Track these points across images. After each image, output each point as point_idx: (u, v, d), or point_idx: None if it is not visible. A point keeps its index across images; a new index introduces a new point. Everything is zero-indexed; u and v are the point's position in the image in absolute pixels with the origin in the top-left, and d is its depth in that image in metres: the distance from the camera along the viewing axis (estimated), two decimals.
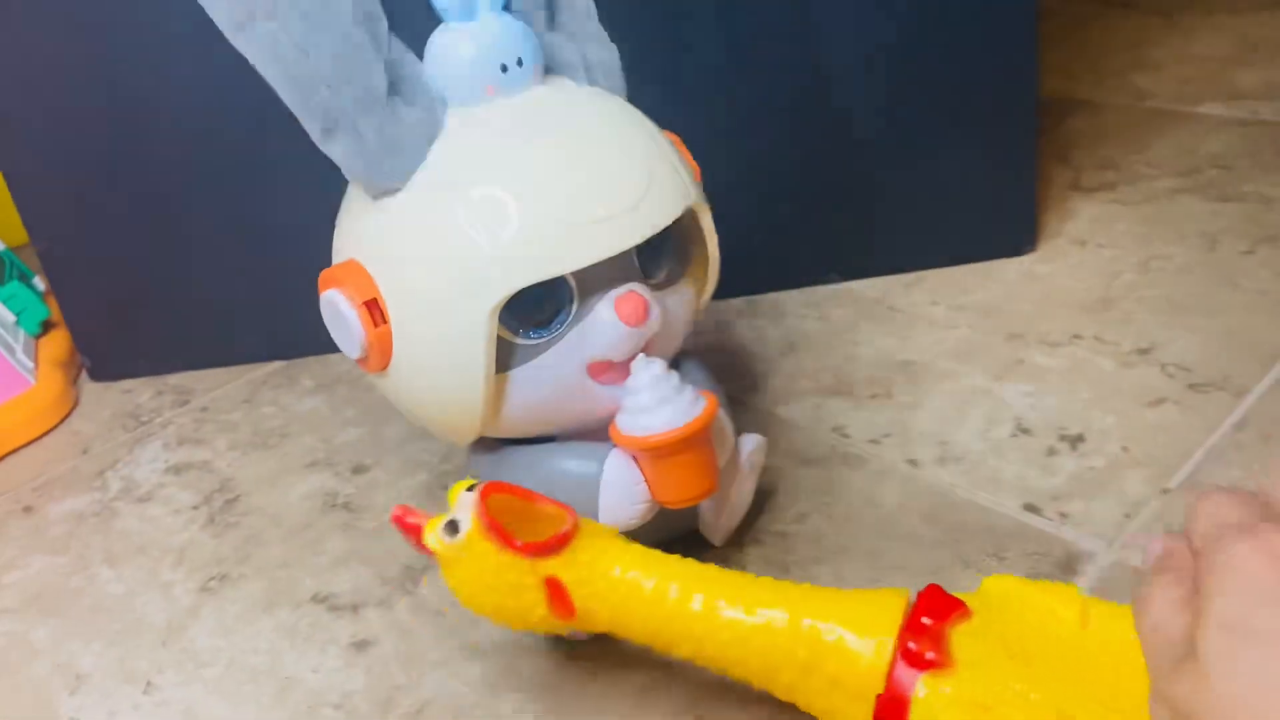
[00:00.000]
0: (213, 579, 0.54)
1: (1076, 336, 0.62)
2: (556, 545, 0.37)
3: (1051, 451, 0.53)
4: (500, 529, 0.36)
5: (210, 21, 0.61)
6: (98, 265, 0.70)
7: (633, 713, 0.43)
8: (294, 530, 0.56)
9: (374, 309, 0.41)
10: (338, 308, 0.41)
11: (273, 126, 0.64)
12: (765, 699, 0.38)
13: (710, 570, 0.38)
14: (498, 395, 0.42)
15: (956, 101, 0.67)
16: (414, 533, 0.38)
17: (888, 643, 0.34)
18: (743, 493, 0.49)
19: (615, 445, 0.43)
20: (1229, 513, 0.29)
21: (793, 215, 0.69)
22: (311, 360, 0.72)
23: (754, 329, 0.68)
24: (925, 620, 0.34)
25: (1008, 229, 0.71)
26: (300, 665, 0.47)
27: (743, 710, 0.42)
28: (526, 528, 0.37)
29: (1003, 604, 0.35)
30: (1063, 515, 0.49)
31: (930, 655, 0.33)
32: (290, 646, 0.49)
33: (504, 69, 0.42)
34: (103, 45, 0.62)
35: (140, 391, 0.72)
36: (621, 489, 0.43)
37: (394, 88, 0.40)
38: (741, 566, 0.49)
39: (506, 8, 0.43)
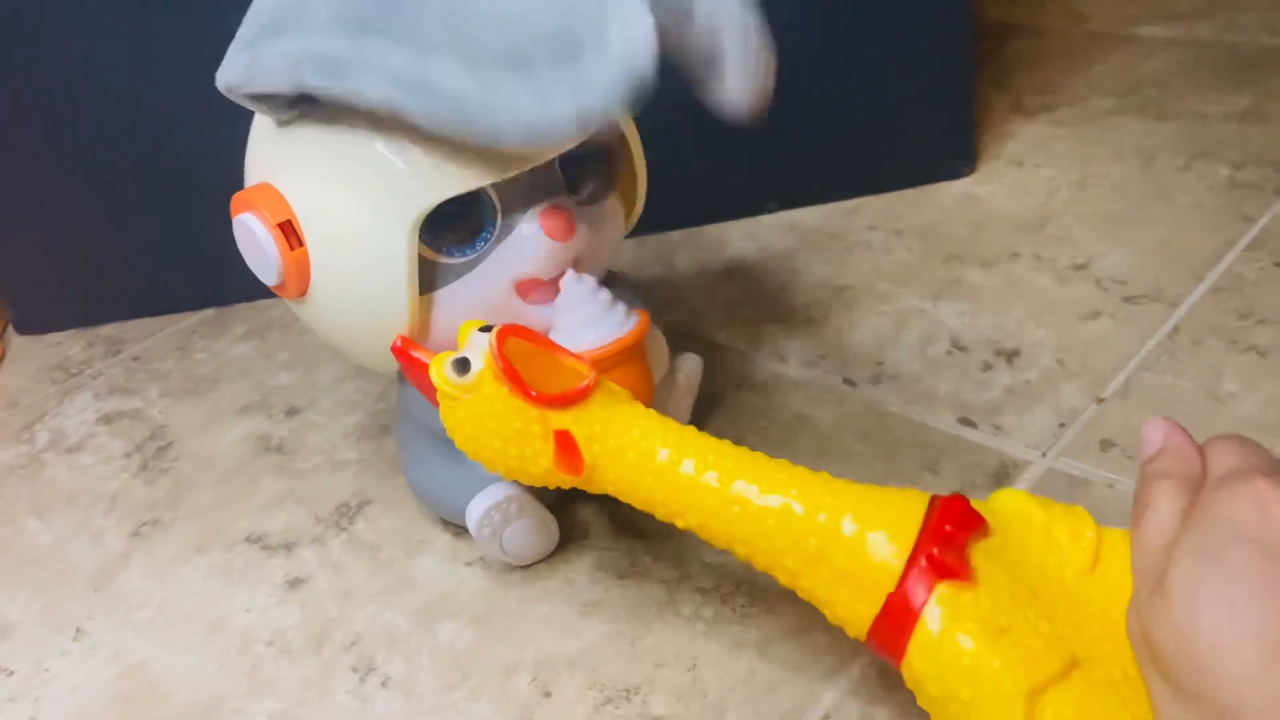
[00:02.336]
0: (144, 524, 0.52)
1: (1014, 255, 0.62)
2: (575, 398, 0.36)
3: (986, 366, 0.53)
4: (515, 374, 0.35)
5: None
6: (22, 215, 0.67)
7: (572, 632, 0.42)
8: (227, 474, 0.55)
9: (289, 231, 0.40)
10: (251, 231, 0.40)
11: (196, 67, 0.62)
12: (707, 610, 0.38)
13: (726, 446, 0.36)
14: (423, 317, 0.41)
15: (892, 27, 0.66)
16: (417, 368, 0.37)
17: (907, 543, 0.32)
18: (680, 412, 0.49)
19: None
20: (1240, 456, 0.30)
21: (729, 145, 0.68)
22: (243, 307, 0.70)
23: (695, 261, 0.67)
24: (948, 528, 0.32)
25: (946, 153, 0.71)
26: (232, 605, 0.47)
27: (686, 626, 0.42)
28: (539, 377, 0.36)
29: (1011, 525, 0.33)
30: (996, 428, 0.49)
31: (952, 563, 0.31)
32: (223, 587, 0.48)
33: None
34: None
35: (69, 344, 0.70)
36: None
37: None
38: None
39: None
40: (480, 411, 0.36)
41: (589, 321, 0.41)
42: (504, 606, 0.44)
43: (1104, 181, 0.67)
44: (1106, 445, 0.47)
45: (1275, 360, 0.50)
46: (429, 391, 0.37)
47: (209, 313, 0.71)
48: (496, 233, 0.40)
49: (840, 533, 0.33)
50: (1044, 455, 0.47)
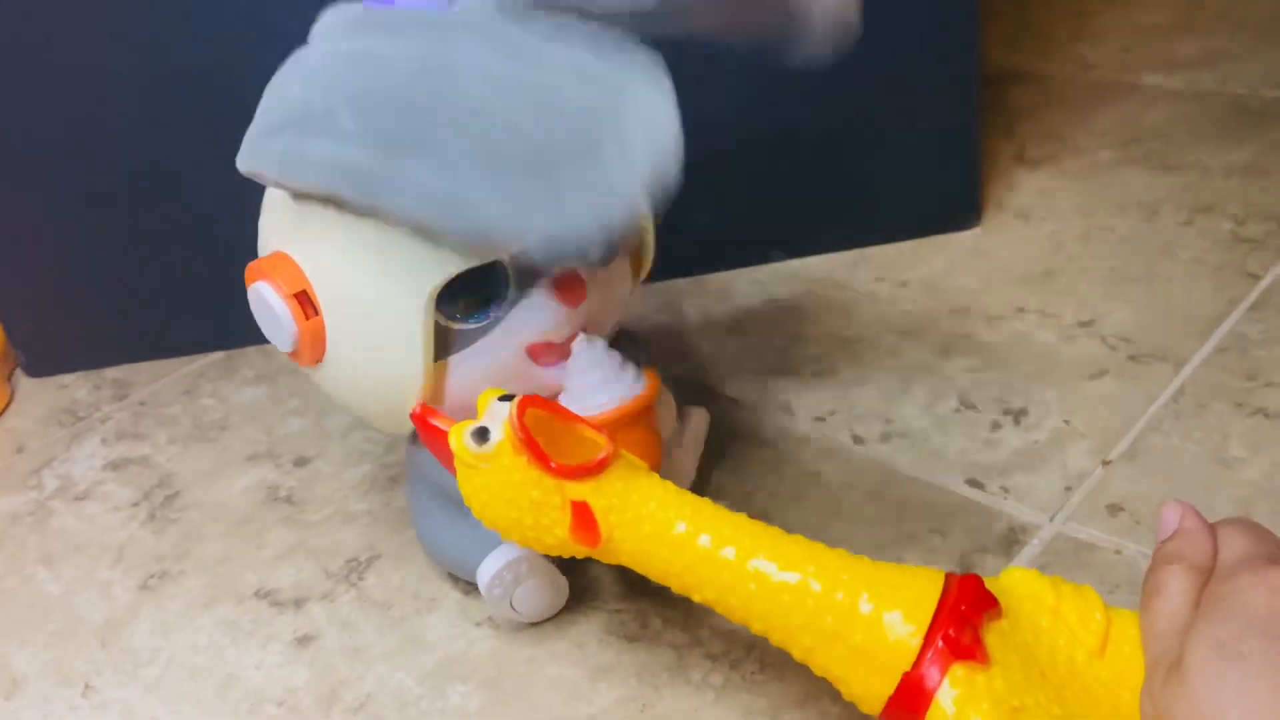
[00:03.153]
0: (152, 576, 0.53)
1: (1020, 310, 0.62)
2: (593, 469, 0.36)
3: (995, 426, 0.53)
4: (535, 445, 0.35)
5: (147, 8, 0.59)
6: (32, 257, 0.68)
7: (582, 698, 0.42)
8: (235, 525, 0.55)
9: (304, 301, 0.40)
10: (266, 300, 0.40)
11: (208, 114, 0.63)
12: (716, 677, 0.38)
13: (743, 520, 0.36)
14: (437, 383, 0.41)
15: (899, 78, 0.66)
16: (436, 435, 0.37)
17: (923, 623, 0.32)
18: (687, 465, 0.49)
19: None
20: (1247, 544, 0.31)
21: (737, 194, 0.69)
22: (252, 350, 0.71)
23: (700, 309, 0.68)
24: (964, 609, 0.32)
25: (952, 204, 0.72)
26: (242, 662, 0.47)
27: (696, 693, 0.42)
28: (558, 447, 0.36)
29: (1021, 605, 0.34)
30: (1005, 490, 0.49)
31: (968, 644, 0.32)
32: (232, 643, 0.48)
33: None
34: (34, 35, 0.60)
35: (77, 386, 0.70)
36: None
37: None
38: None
39: None
40: (498, 481, 0.36)
41: (600, 384, 0.41)
42: (514, 669, 0.44)
43: (1108, 235, 0.68)
44: (1114, 510, 0.47)
45: None
46: (447, 458, 0.37)
47: (217, 356, 0.71)
48: (509, 299, 0.41)
49: (857, 611, 0.33)
50: (1052, 519, 0.47)
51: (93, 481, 0.60)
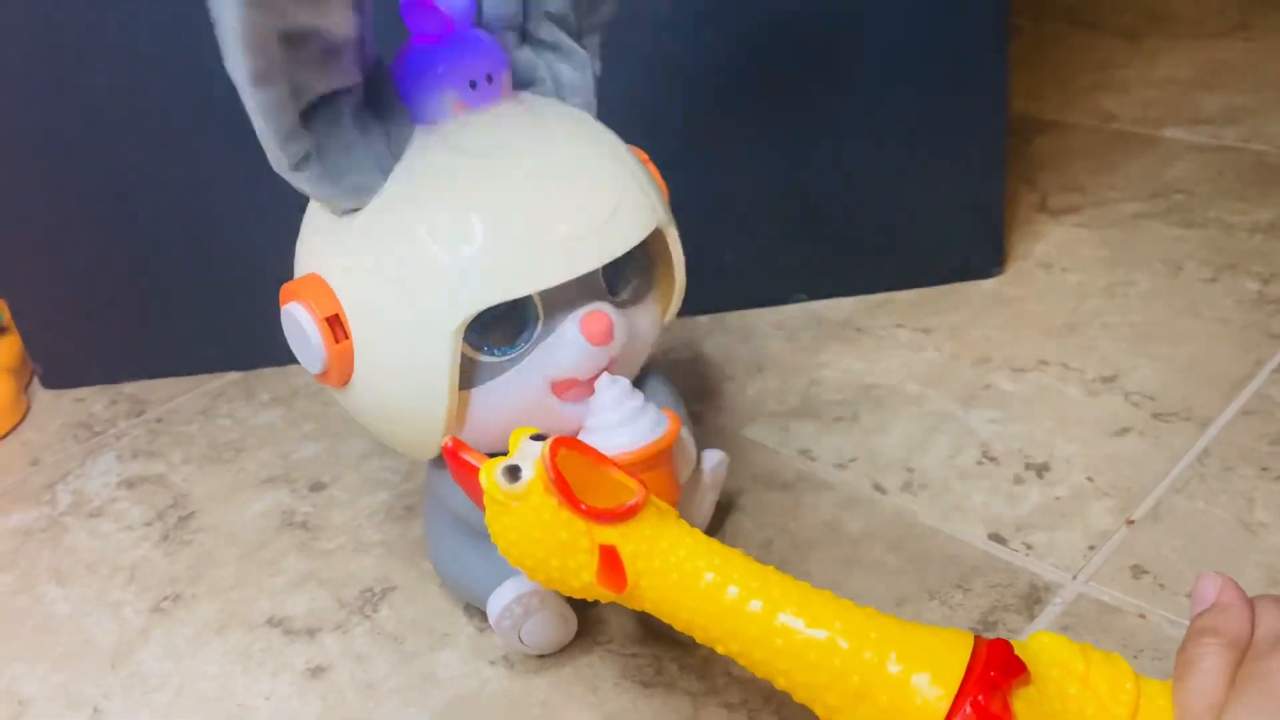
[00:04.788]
0: (164, 599, 0.52)
1: (1043, 362, 0.62)
2: (624, 514, 0.36)
3: (1017, 480, 0.53)
4: (567, 486, 0.35)
5: (172, 28, 0.60)
6: (52, 268, 0.68)
7: None
8: (249, 550, 0.55)
9: (335, 325, 0.40)
10: (298, 322, 0.40)
11: (231, 132, 0.63)
12: None
13: (772, 573, 0.36)
14: (460, 412, 0.41)
15: (926, 124, 0.67)
16: (467, 470, 0.37)
17: (952, 687, 0.32)
18: (704, 508, 0.49)
19: None
20: None
21: (761, 235, 0.69)
22: (269, 372, 0.70)
23: (721, 348, 0.67)
24: (992, 674, 0.32)
25: (976, 252, 0.72)
26: (252, 692, 0.46)
27: None
28: (589, 490, 0.36)
29: (1049, 672, 0.33)
30: (1027, 546, 0.49)
31: (997, 712, 0.31)
32: (243, 672, 0.47)
33: (473, 85, 0.41)
34: (60, 50, 0.61)
35: (94, 400, 0.70)
36: None
37: (360, 105, 0.39)
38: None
39: (477, 22, 0.42)
40: (527, 520, 0.36)
41: (621, 424, 0.41)
42: (527, 712, 0.44)
43: (1132, 290, 0.68)
44: (1138, 572, 0.47)
45: None
46: (476, 494, 0.37)
47: (234, 376, 0.71)
48: (537, 334, 0.41)
49: (885, 671, 0.33)
50: (1074, 579, 0.47)
51: (107, 499, 0.60)
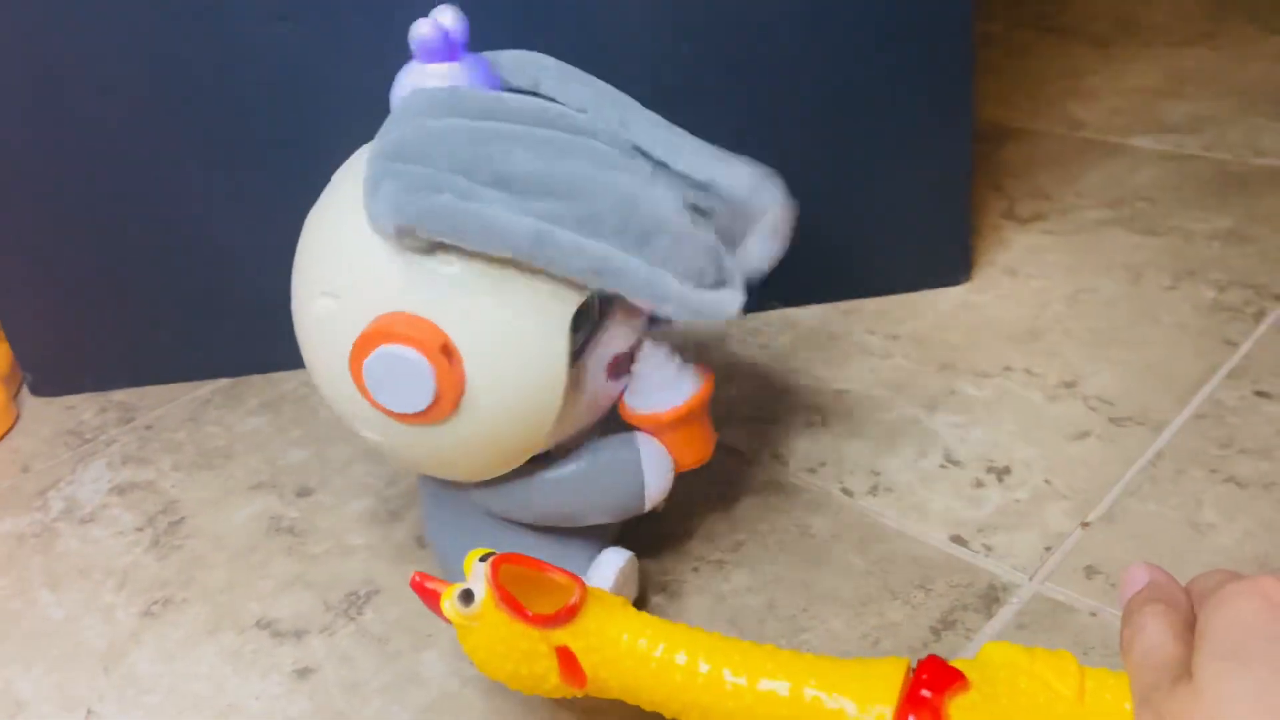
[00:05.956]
0: (155, 603, 0.54)
1: (1006, 368, 0.64)
2: (566, 616, 0.38)
3: (978, 483, 0.55)
4: (512, 599, 0.37)
5: (152, 34, 0.61)
6: (41, 277, 0.69)
7: None
8: (238, 554, 0.56)
9: (450, 353, 0.40)
10: (405, 360, 0.40)
11: (218, 141, 0.65)
12: None
13: (716, 639, 0.39)
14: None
15: (893, 132, 0.69)
16: (432, 599, 0.39)
17: (886, 713, 0.35)
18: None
19: (632, 427, 0.46)
20: (1223, 576, 0.32)
21: None
22: (257, 378, 0.72)
23: (694, 354, 0.69)
24: (925, 693, 0.35)
25: (943, 259, 0.74)
26: (242, 692, 0.48)
27: None
28: (539, 597, 0.38)
29: (999, 674, 0.35)
30: (987, 547, 0.51)
31: None
32: (233, 673, 0.49)
33: None
34: (42, 54, 0.62)
35: (83, 408, 0.72)
36: (659, 462, 0.46)
37: None
38: (679, 595, 0.50)
39: None
40: (489, 637, 0.38)
41: (666, 384, 0.45)
42: (508, 710, 0.45)
43: (1094, 297, 0.70)
44: (1091, 572, 0.49)
45: (1254, 492, 0.52)
46: (446, 619, 0.39)
47: (223, 383, 0.72)
48: (595, 323, 0.43)
49: (824, 709, 0.36)
50: (1031, 579, 0.49)
51: (98, 505, 0.62)
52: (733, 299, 0.42)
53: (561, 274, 0.40)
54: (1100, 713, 0.34)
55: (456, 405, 0.42)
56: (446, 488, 0.49)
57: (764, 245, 0.44)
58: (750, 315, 0.73)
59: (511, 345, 0.41)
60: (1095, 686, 0.35)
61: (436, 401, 0.41)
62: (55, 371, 0.73)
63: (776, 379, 0.66)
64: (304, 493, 0.61)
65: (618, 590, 0.47)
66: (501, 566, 0.38)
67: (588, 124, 0.42)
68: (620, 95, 0.45)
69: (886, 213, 0.71)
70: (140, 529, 0.59)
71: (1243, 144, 0.88)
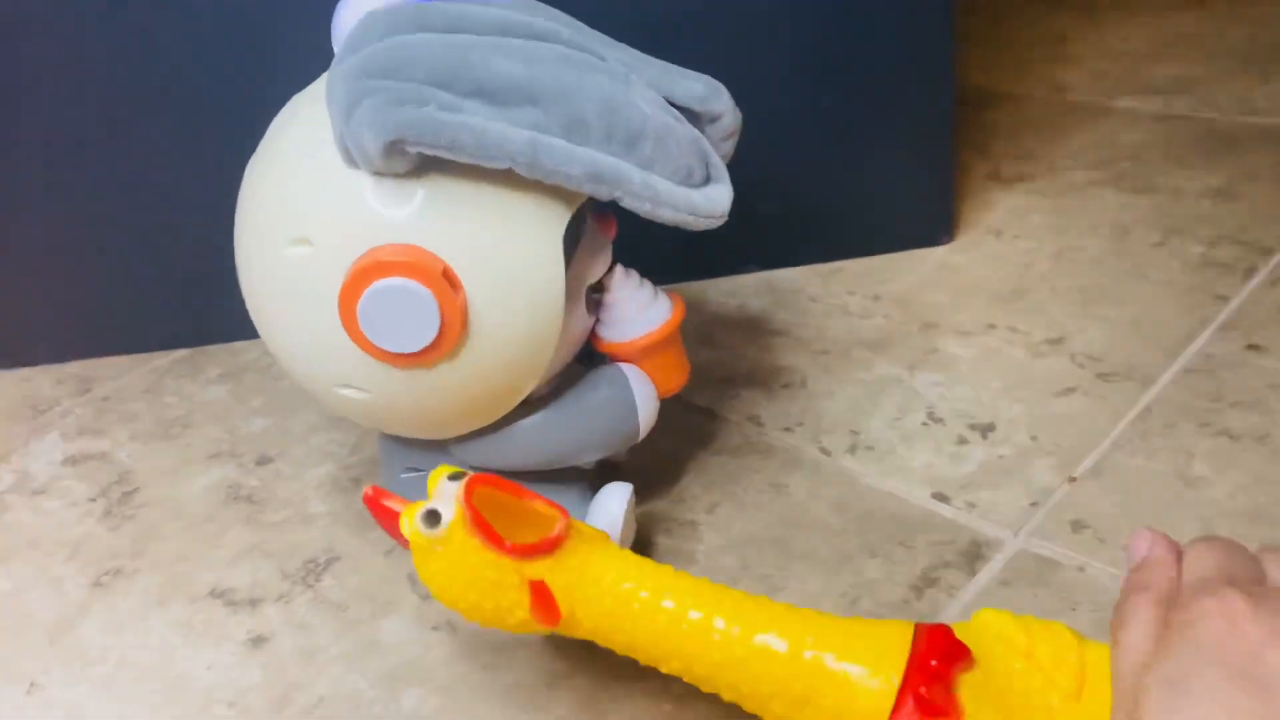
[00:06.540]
0: (106, 574, 0.52)
1: (990, 326, 0.62)
2: (548, 547, 0.35)
3: (961, 440, 0.53)
4: (487, 526, 0.34)
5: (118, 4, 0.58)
6: None
7: (538, 706, 0.42)
8: (194, 523, 0.54)
9: (450, 278, 0.38)
10: (407, 291, 0.37)
11: (177, 109, 0.62)
12: (676, 685, 0.38)
13: (705, 585, 0.36)
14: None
15: (875, 93, 0.67)
16: (388, 518, 0.36)
17: (894, 681, 0.32)
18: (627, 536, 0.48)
19: (612, 358, 0.45)
20: (1216, 562, 0.31)
21: None
22: (217, 349, 0.70)
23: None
24: (934, 663, 0.32)
25: (925, 220, 0.72)
26: (193, 662, 0.46)
27: (651, 703, 0.41)
28: (511, 524, 0.35)
29: (993, 649, 0.33)
30: (970, 504, 0.49)
31: (940, 702, 0.31)
32: (184, 643, 0.47)
33: None
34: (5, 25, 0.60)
35: (39, 379, 0.69)
36: (647, 389, 0.45)
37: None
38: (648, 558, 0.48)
39: None
40: (453, 564, 0.35)
41: (641, 311, 0.45)
42: (470, 676, 0.43)
43: (1080, 255, 0.68)
44: (1078, 526, 0.47)
45: (1246, 445, 0.50)
46: (402, 540, 0.36)
47: (182, 353, 0.70)
48: (580, 241, 0.43)
49: (826, 671, 0.33)
50: (1015, 535, 0.47)
51: (51, 477, 0.59)
52: (724, 194, 0.40)
53: (557, 183, 0.37)
54: (1096, 710, 0.32)
55: (460, 337, 0.39)
56: (415, 444, 0.47)
57: (720, 149, 0.43)
58: (729, 279, 0.71)
59: (510, 265, 0.39)
60: (1094, 676, 0.32)
61: (442, 334, 0.38)
62: (10, 343, 0.70)
63: (754, 342, 0.64)
64: (264, 461, 0.58)
65: (625, 524, 0.45)
66: (476, 489, 0.35)
67: (551, 30, 0.39)
68: (570, 17, 0.43)
69: (868, 175, 0.69)
70: (93, 499, 0.57)
71: (1231, 104, 0.86)
